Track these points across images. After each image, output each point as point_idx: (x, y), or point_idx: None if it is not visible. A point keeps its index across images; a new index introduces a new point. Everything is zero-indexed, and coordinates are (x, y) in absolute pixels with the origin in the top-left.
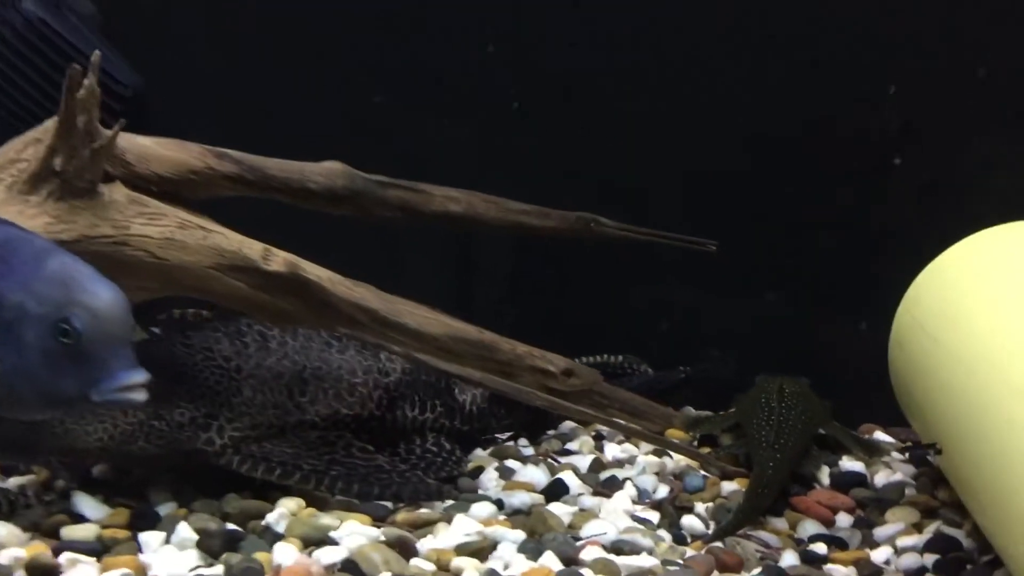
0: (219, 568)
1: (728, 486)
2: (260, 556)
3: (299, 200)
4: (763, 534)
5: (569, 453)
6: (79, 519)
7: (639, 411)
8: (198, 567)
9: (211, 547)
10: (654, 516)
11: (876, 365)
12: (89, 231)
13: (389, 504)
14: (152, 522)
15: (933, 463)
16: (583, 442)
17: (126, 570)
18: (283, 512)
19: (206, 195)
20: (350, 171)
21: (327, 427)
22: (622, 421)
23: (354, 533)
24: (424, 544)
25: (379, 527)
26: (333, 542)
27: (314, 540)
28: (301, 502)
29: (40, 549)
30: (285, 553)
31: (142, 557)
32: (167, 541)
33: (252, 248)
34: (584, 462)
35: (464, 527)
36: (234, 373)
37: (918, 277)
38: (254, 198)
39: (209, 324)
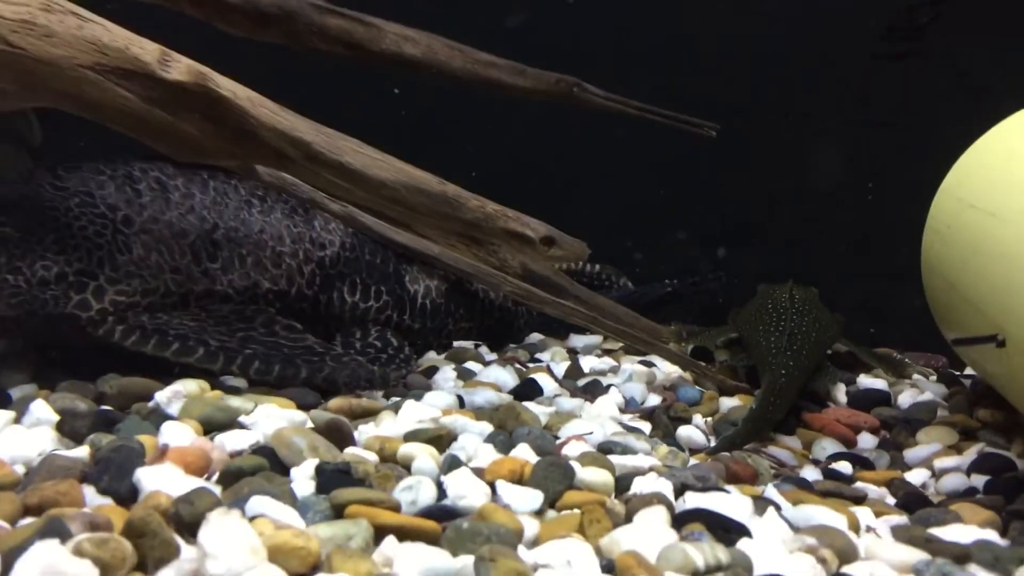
0: (82, 450)
1: (728, 402)
2: (141, 438)
3: (213, 15)
4: (775, 450)
5: (539, 363)
6: None
7: (621, 322)
8: (55, 450)
9: (75, 429)
10: (645, 426)
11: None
12: None
13: (319, 396)
14: (1, 404)
15: (967, 386)
16: (555, 352)
17: None
18: (178, 391)
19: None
20: None
21: (243, 302)
22: (611, 323)
23: (272, 417)
24: (364, 432)
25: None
26: (243, 427)
27: (218, 424)
28: (205, 386)
29: None
30: (176, 434)
31: None
32: (17, 422)
33: (144, 48)
34: (559, 369)
35: (415, 415)
36: (121, 225)
37: (959, 160)
38: (152, 9)
39: (90, 165)
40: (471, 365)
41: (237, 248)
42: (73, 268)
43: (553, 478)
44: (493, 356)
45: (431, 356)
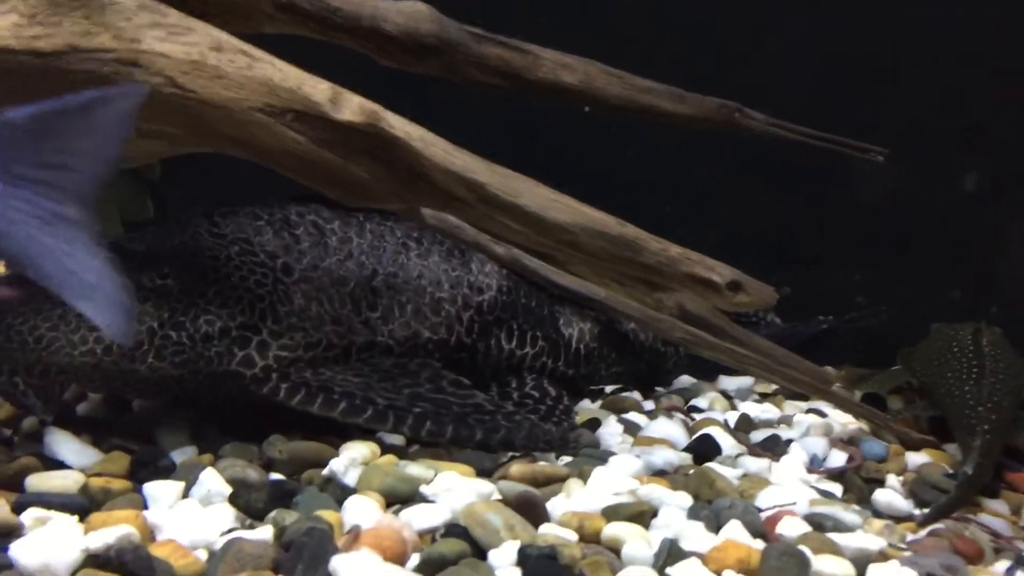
0: (265, 531)
1: (915, 458)
2: (325, 515)
3: (371, 47)
4: (986, 518)
5: (697, 410)
6: (55, 465)
7: (781, 364)
8: (233, 528)
9: (251, 503)
10: (834, 487)
11: None
12: (81, 40)
13: (494, 455)
14: (161, 471)
15: None
16: (713, 399)
17: (125, 528)
18: (353, 458)
19: (246, 30)
20: (439, 16)
21: (404, 353)
22: (787, 370)
23: (455, 488)
24: (556, 505)
25: (493, 483)
26: (425, 499)
27: (401, 496)
28: (376, 448)
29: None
30: (362, 511)
31: (148, 515)
32: (186, 494)
33: (315, 87)
34: (728, 420)
35: (606, 484)
36: (281, 274)
37: None
38: (311, 43)
39: (246, 210)
40: (633, 416)
41: (397, 295)
42: (236, 322)
43: (788, 570)
44: (650, 404)
45: (587, 405)
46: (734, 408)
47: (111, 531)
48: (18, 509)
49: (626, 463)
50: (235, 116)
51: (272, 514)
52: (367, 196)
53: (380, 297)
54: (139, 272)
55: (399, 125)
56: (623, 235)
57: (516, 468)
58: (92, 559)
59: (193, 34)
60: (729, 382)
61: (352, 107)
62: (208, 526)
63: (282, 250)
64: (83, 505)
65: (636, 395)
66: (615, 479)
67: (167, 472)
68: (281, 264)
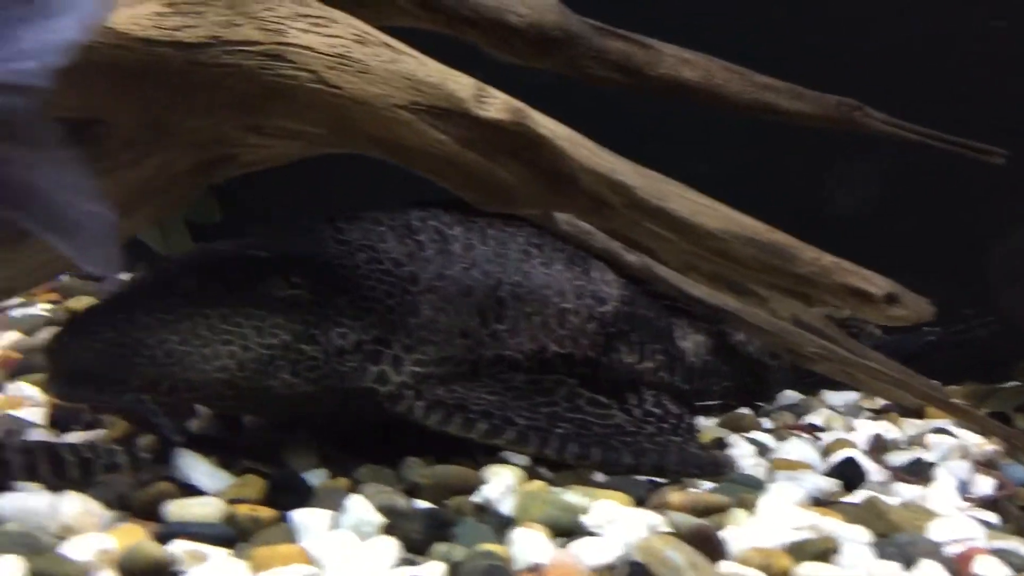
0: (435, 567)
1: None
2: (491, 548)
3: (494, 40)
4: None
5: (816, 428)
6: (189, 490)
7: (895, 380)
8: (405, 563)
9: (408, 534)
10: (987, 515)
11: None
12: (224, 32)
13: (642, 478)
14: (301, 496)
15: None
16: (828, 416)
17: (301, 568)
18: (508, 485)
19: (373, 24)
20: (563, 7)
21: (532, 368)
22: (924, 388)
23: (617, 519)
24: (731, 539)
25: (659, 513)
26: (587, 531)
27: (562, 527)
28: (520, 472)
29: (135, 535)
30: (531, 544)
31: (306, 547)
32: (336, 525)
33: (459, 83)
34: (856, 441)
35: (778, 516)
36: (408, 283)
37: None
38: (432, 36)
39: (368, 215)
40: (756, 435)
41: (523, 307)
42: (369, 335)
43: None
44: (767, 422)
45: (702, 423)
46: (851, 427)
47: (283, 572)
48: (162, 540)
49: (785, 491)
50: (380, 114)
51: (438, 548)
52: (508, 200)
53: (506, 308)
54: (266, 281)
55: (545, 123)
56: (774, 242)
57: (675, 497)
58: None
59: (336, 26)
60: (834, 397)
61: (497, 104)
62: (374, 561)
63: (407, 258)
64: (231, 536)
65: (746, 411)
66: (784, 509)
67: (306, 497)
68: (407, 273)
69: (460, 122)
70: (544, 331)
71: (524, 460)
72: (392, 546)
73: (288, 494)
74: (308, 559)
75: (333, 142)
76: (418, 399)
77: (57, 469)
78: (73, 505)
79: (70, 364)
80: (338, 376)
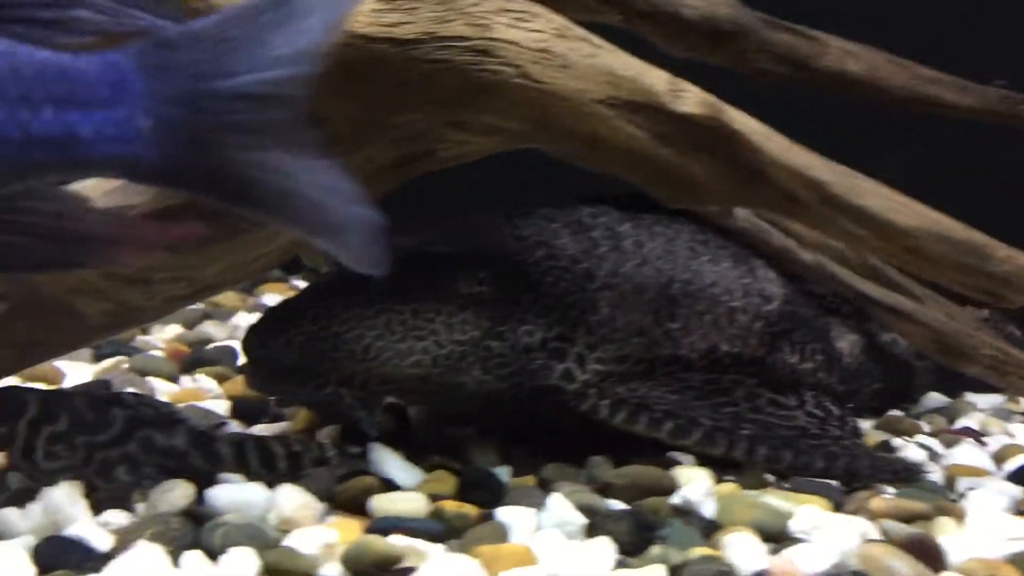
0: (655, 570)
1: None
2: (704, 551)
3: (667, 33)
4: None
5: (975, 432)
6: (388, 485)
7: None
8: (621, 566)
9: (616, 535)
10: None
11: None
12: (437, 28)
13: (831, 483)
14: (494, 493)
15: None
16: (982, 420)
17: (530, 570)
18: (707, 487)
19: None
20: (734, 0)
21: (703, 368)
22: None
23: (823, 525)
24: (949, 548)
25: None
26: (792, 536)
27: (769, 532)
28: (711, 474)
29: (352, 529)
30: (744, 549)
31: (528, 545)
32: (540, 524)
33: (654, 77)
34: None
35: (993, 527)
36: (584, 281)
37: None
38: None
39: (540, 211)
40: (922, 439)
41: (694, 305)
42: (553, 333)
43: None
44: (924, 424)
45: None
46: (1008, 432)
47: (517, 573)
48: (378, 535)
49: (983, 499)
50: (579, 109)
51: (653, 550)
52: (698, 195)
53: (678, 307)
54: (452, 277)
55: (738, 118)
56: (968, 240)
57: (877, 503)
58: None
59: (538, 20)
60: (977, 399)
61: (692, 98)
62: (593, 562)
63: (582, 255)
64: (440, 532)
65: (898, 413)
66: (993, 518)
67: (499, 494)
68: (583, 270)
69: (655, 116)
70: (715, 330)
71: (689, 459)
72: (607, 547)
73: (481, 490)
74: (533, 559)
75: (531, 138)
76: (601, 398)
77: (266, 462)
78: (292, 498)
79: (271, 358)
80: (527, 374)
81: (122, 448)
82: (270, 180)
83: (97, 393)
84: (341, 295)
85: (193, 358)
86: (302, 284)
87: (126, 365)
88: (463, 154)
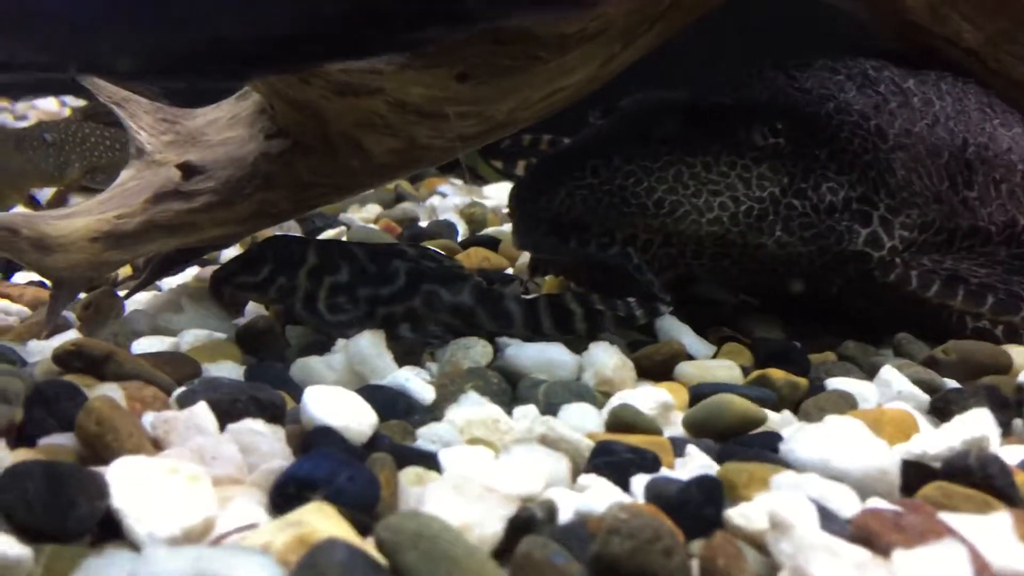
0: None
1: None
2: None
3: None
4: None
5: None
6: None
7: None
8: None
9: (951, 410)
10: None
11: None
12: None
13: None
14: (802, 365)
15: None
16: None
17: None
18: None
19: None
20: None
21: (1002, 243)
22: None
23: None
24: None
25: None
26: None
27: None
28: None
29: (680, 393)
30: None
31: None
32: (882, 396)
33: None
34: None
35: None
36: (877, 139)
37: None
38: None
39: (819, 62)
40: None
41: (991, 172)
42: (856, 192)
43: None
44: None
45: None
46: None
47: (948, 435)
48: (698, 398)
49: None
50: None
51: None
52: None
53: (975, 173)
54: (745, 128)
55: None
56: None
57: None
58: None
59: None
60: None
61: None
62: (972, 434)
63: (872, 110)
64: (772, 399)
65: None
66: None
67: (806, 367)
68: (875, 127)
69: None
70: (1012, 201)
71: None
72: (987, 419)
73: (787, 363)
74: (915, 425)
75: None
76: (909, 268)
77: (562, 322)
78: (610, 358)
79: (548, 213)
80: (834, 236)
81: (406, 303)
82: None
83: (375, 244)
84: (621, 146)
85: (411, 233)
86: (458, 183)
87: (344, 238)
88: None
